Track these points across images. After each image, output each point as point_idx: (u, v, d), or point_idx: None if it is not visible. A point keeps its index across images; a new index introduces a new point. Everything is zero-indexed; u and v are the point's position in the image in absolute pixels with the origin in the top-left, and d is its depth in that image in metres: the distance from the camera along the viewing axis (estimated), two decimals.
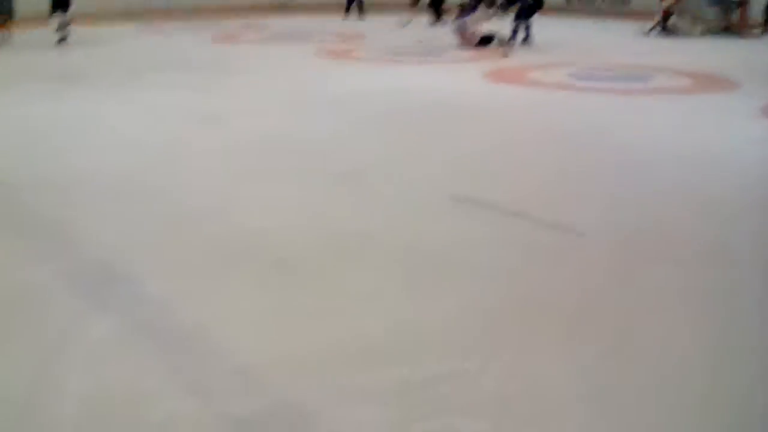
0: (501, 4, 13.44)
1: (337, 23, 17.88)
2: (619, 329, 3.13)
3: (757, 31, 14.61)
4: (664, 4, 14.68)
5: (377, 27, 17.10)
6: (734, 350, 2.96)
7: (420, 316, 3.22)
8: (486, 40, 12.61)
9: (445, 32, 14.01)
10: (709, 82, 9.51)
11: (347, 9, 19.27)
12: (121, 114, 7.53)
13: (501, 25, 13.07)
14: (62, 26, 12.92)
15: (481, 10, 13.26)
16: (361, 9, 19.21)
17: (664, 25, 14.76)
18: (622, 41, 14.55)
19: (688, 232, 4.26)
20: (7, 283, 3.56)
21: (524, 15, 13.11)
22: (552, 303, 3.35)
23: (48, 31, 13.04)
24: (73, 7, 13.09)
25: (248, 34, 15.81)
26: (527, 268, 3.76)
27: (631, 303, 3.36)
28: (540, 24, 13.40)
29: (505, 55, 11.81)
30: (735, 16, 15.05)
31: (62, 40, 12.90)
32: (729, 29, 14.98)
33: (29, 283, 3.55)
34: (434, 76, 10.21)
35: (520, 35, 13.09)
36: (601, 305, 3.34)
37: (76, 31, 13.11)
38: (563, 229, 4.24)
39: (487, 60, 11.47)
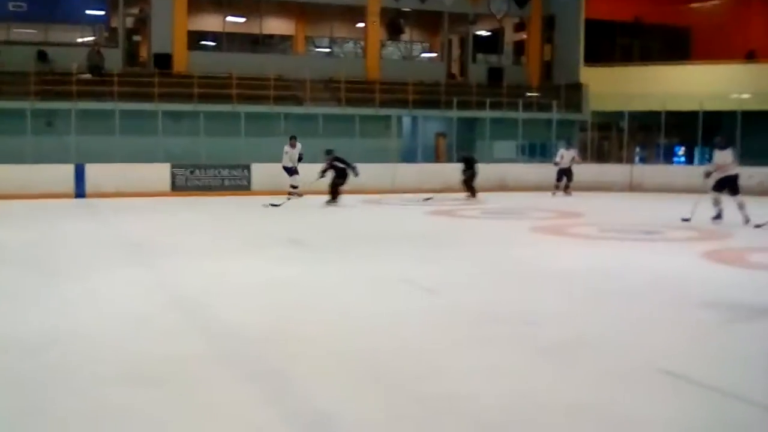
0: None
1: (549, 200, 18.46)
2: None
3: None
4: None
5: (592, 204, 17.32)
6: None
7: None
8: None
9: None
10: None
11: (556, 186, 19.83)
12: (338, 281, 8.16)
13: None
14: None
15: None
16: (567, 187, 19.84)
17: None
18: None
19: None
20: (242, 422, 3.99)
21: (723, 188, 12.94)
22: None
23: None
24: None
25: (464, 209, 16.55)
26: None
27: None
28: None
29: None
30: None
31: None
32: None
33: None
34: (652, 254, 10.09)
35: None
36: None
37: None
38: None
39: (708, 240, 11.22)
